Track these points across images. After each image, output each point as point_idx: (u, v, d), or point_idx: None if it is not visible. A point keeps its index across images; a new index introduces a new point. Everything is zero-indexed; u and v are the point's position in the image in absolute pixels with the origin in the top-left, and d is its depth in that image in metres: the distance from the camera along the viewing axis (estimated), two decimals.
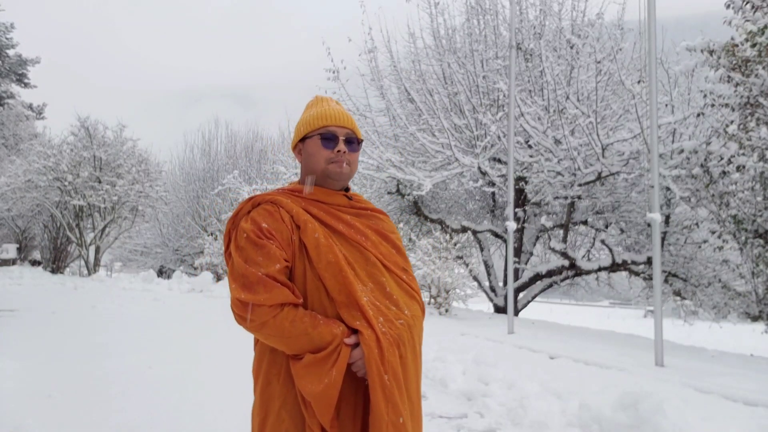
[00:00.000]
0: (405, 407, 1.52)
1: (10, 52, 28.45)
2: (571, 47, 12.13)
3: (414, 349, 1.61)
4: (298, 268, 1.59)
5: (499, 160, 12.85)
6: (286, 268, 1.57)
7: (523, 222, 13.22)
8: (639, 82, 10.35)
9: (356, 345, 1.51)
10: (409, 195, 13.73)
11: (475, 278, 13.45)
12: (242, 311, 1.51)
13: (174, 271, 25.86)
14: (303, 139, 1.75)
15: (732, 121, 8.38)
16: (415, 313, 1.66)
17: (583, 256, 13.83)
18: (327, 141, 1.69)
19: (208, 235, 24.76)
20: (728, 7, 8.61)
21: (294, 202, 1.67)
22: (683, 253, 11.54)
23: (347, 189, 1.79)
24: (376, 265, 1.66)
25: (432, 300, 11.14)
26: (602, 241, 12.99)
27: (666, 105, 10.76)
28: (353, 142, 1.73)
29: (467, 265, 12.70)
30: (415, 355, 1.62)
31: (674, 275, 11.81)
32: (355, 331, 1.52)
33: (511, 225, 9.12)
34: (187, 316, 9.63)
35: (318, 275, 1.57)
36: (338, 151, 1.68)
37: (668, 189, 9.97)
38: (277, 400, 1.55)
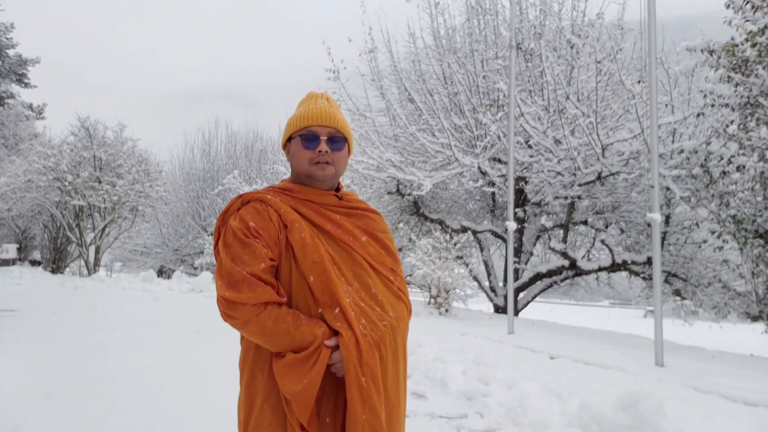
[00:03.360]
0: (383, 408, 1.53)
1: (10, 52, 28.49)
2: (571, 47, 12.12)
3: (396, 351, 1.61)
4: (285, 268, 1.60)
5: (499, 160, 12.84)
6: (272, 267, 1.58)
7: (523, 222, 13.21)
8: (639, 82, 10.35)
9: (337, 347, 1.52)
10: (409, 195, 13.72)
11: (475, 278, 13.44)
12: (227, 309, 1.53)
13: (174, 271, 25.85)
14: (291, 139, 1.76)
15: (732, 121, 8.38)
16: (400, 315, 1.66)
17: (583, 256, 13.81)
18: (308, 142, 1.69)
19: (208, 235, 24.77)
20: (728, 7, 8.60)
21: (283, 201, 1.68)
22: (683, 253, 11.52)
23: (338, 188, 1.79)
24: (362, 266, 1.67)
25: (432, 300, 11.13)
26: (602, 241, 12.97)
27: (666, 105, 10.74)
28: (337, 140, 1.71)
29: (467, 265, 12.69)
30: (396, 357, 1.62)
31: (674, 275, 11.79)
32: (337, 333, 1.53)
33: (511, 225, 9.12)
34: (187, 316, 9.63)
35: (303, 275, 1.58)
36: (319, 151, 1.67)
37: (668, 189, 9.97)
38: (261, 394, 1.57)
